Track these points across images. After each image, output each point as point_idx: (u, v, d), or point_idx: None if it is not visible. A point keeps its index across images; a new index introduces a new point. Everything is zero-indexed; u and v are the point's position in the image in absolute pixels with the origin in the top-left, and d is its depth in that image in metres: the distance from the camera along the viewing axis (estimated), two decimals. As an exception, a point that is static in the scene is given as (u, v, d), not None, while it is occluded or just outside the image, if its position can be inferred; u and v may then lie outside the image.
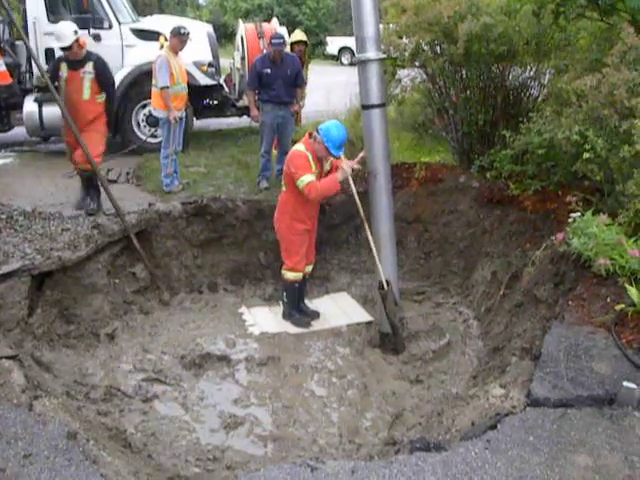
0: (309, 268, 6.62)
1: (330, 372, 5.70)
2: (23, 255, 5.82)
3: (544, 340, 4.00)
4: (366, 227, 5.91)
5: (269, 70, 7.85)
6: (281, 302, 6.69)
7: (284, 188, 6.14)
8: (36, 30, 9.38)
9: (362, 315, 6.72)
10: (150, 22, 11.11)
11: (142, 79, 9.44)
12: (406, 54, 7.26)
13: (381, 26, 6.27)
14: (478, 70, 7.19)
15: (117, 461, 3.55)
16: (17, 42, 9.96)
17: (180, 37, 7.67)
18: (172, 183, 7.91)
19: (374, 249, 5.88)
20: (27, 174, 8.73)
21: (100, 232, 6.48)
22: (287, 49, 9.29)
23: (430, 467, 3.01)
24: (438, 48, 7.29)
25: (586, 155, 4.91)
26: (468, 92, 7.41)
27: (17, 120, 9.81)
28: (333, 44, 28.43)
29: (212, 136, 11.61)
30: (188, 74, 8.53)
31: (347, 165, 5.83)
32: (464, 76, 7.37)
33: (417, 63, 7.51)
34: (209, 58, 10.41)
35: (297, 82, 8.11)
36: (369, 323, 6.49)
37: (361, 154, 6.09)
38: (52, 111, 8.46)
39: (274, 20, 11.45)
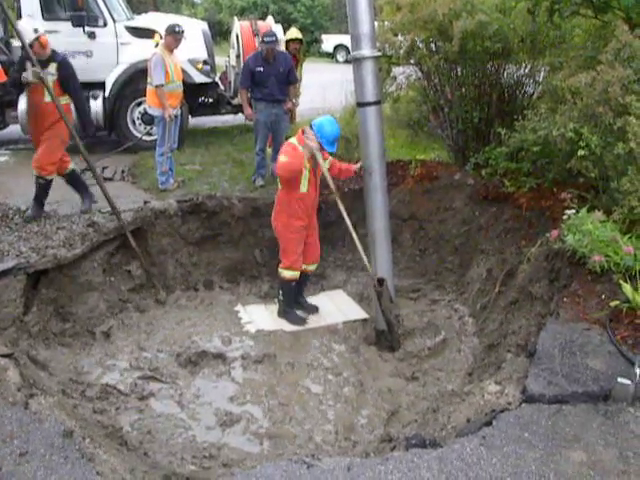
0: (313, 267, 6.64)
1: (326, 369, 5.71)
2: (18, 253, 5.82)
3: (539, 337, 4.02)
4: (351, 229, 5.89)
5: (262, 68, 7.84)
6: (277, 300, 6.69)
7: (280, 186, 6.15)
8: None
9: (358, 312, 6.72)
10: (145, 20, 11.11)
11: (137, 77, 9.45)
12: (401, 52, 7.28)
13: (376, 24, 6.26)
14: (473, 68, 7.20)
15: (113, 459, 3.54)
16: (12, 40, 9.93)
17: (175, 35, 7.67)
18: (167, 181, 7.91)
19: (361, 250, 5.86)
20: (22, 172, 8.68)
21: (95, 230, 6.48)
22: (282, 47, 9.30)
23: (426, 463, 3.02)
24: (433, 46, 7.30)
25: (581, 152, 4.92)
26: (463, 90, 7.42)
27: (12, 118, 9.76)
28: (328, 42, 28.46)
29: (207, 134, 11.61)
30: (183, 72, 8.53)
31: (312, 142, 5.83)
32: (459, 74, 7.38)
33: (412, 61, 7.52)
34: (204, 56, 10.40)
35: (290, 79, 8.11)
36: (365, 320, 6.50)
37: (358, 164, 6.19)
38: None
39: (269, 18, 11.44)
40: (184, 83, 8.29)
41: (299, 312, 6.64)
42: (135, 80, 9.59)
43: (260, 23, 10.69)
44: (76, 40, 9.49)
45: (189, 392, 5.36)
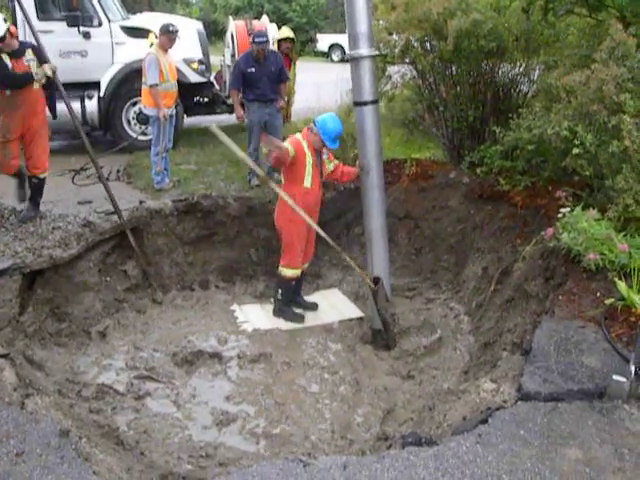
0: (306, 265, 6.62)
1: (322, 368, 5.71)
2: (14, 254, 5.80)
3: (534, 335, 4.03)
4: (310, 222, 5.83)
5: (253, 69, 7.82)
6: (272, 299, 6.68)
7: (283, 180, 6.14)
8: (25, 28, 9.32)
9: (354, 311, 6.73)
10: (140, 19, 11.07)
11: (132, 76, 9.42)
12: (396, 50, 7.29)
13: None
14: (468, 66, 7.21)
15: (109, 458, 3.54)
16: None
17: (169, 35, 7.66)
18: (163, 181, 7.90)
19: (347, 258, 5.89)
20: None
21: (91, 230, 6.47)
22: (274, 46, 9.30)
23: (422, 461, 3.02)
24: (428, 44, 7.31)
25: (575, 150, 4.93)
26: (458, 88, 7.44)
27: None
28: (323, 41, 28.42)
29: (203, 133, 11.55)
30: (178, 71, 8.52)
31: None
32: (454, 72, 7.39)
33: (407, 60, 7.53)
34: (199, 55, 10.40)
35: (281, 77, 8.11)
36: (361, 319, 6.51)
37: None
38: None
39: (264, 17, 11.44)
40: (179, 83, 8.28)
41: (297, 310, 6.64)
42: (130, 80, 9.56)
43: (255, 22, 10.70)
44: (71, 40, 9.46)
45: (185, 392, 5.35)
